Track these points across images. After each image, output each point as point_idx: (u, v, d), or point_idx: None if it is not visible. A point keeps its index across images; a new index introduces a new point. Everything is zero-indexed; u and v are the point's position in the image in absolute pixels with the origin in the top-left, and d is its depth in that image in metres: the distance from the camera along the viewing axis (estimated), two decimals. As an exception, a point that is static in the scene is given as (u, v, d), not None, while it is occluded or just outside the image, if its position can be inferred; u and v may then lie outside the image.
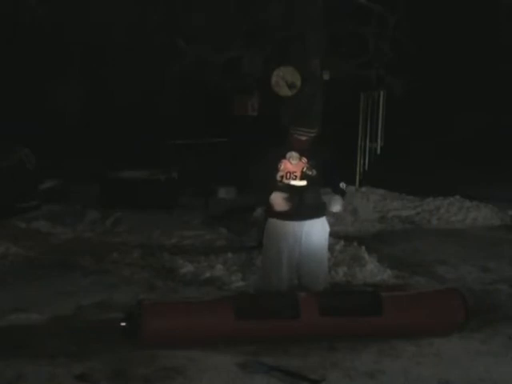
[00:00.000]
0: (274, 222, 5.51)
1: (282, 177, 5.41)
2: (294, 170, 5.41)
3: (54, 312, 5.61)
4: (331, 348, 4.94)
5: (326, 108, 9.64)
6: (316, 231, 5.51)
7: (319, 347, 4.92)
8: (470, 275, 7.04)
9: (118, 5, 9.34)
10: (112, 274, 6.88)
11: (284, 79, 9.41)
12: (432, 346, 5.02)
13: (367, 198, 10.55)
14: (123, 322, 4.91)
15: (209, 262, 7.11)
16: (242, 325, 4.90)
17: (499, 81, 14.61)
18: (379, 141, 11.05)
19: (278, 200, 5.33)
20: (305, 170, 5.40)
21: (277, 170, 5.40)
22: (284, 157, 5.41)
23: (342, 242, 7.54)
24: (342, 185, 5.52)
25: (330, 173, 5.47)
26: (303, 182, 5.39)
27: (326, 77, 9.68)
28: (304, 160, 5.41)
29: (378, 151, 11.10)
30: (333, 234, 6.20)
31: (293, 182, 5.39)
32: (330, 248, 6.32)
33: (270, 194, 5.36)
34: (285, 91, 9.44)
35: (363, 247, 7.46)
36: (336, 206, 5.44)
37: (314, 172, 5.40)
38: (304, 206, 5.38)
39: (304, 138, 5.43)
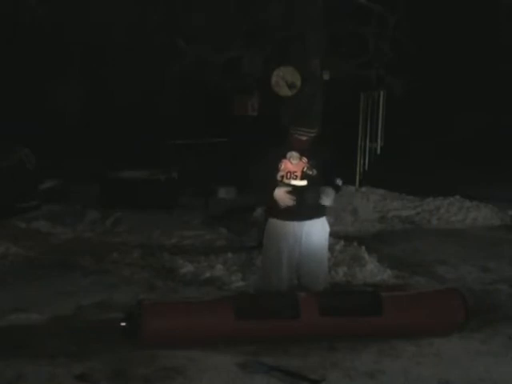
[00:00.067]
0: (274, 222, 5.51)
1: (282, 177, 5.41)
2: (294, 169, 5.41)
3: (54, 312, 5.61)
4: (331, 348, 4.94)
5: (325, 108, 9.62)
6: (316, 231, 5.51)
7: (319, 347, 4.93)
8: (469, 275, 7.04)
9: (117, 5, 9.33)
10: (112, 274, 6.88)
11: (284, 79, 9.40)
12: (432, 346, 5.02)
13: (367, 198, 10.55)
14: (123, 321, 4.91)
15: (209, 262, 7.11)
16: (242, 325, 4.90)
17: (499, 81, 14.61)
18: (379, 141, 11.04)
19: (282, 195, 5.34)
20: (305, 169, 5.40)
21: (277, 169, 5.40)
22: (284, 157, 5.41)
23: (342, 242, 7.54)
24: (339, 181, 5.52)
25: (329, 172, 5.47)
26: (304, 182, 5.39)
27: (325, 77, 9.67)
28: (304, 160, 5.41)
29: (378, 151, 11.10)
30: (333, 234, 6.20)
31: (293, 182, 5.39)
32: (330, 248, 6.33)
33: (270, 193, 5.37)
34: (285, 91, 9.43)
35: (363, 247, 7.46)
36: (326, 199, 5.41)
37: (315, 172, 5.40)
38: (304, 205, 5.38)
39: (304, 138, 5.43)
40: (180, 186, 10.87)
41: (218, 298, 5.67)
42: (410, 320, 5.17)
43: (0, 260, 7.37)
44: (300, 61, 9.44)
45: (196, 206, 10.42)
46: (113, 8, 9.31)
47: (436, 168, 13.65)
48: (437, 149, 15.23)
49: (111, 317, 5.35)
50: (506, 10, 10.84)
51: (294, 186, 5.38)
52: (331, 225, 5.79)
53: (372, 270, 6.91)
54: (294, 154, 5.40)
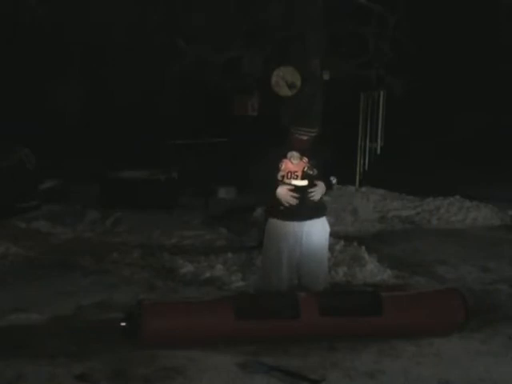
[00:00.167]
0: (274, 222, 5.51)
1: (283, 176, 5.41)
2: (295, 169, 5.41)
3: (54, 312, 5.61)
4: (331, 348, 4.94)
5: (325, 108, 9.63)
6: (316, 231, 5.51)
7: (319, 347, 4.93)
8: (470, 275, 7.04)
9: (117, 5, 9.33)
10: (112, 274, 6.88)
11: (284, 79, 9.41)
12: (432, 346, 5.02)
13: (367, 198, 10.56)
14: (123, 321, 4.91)
15: (209, 262, 7.11)
16: (242, 325, 4.90)
17: (499, 81, 14.61)
18: (379, 141, 11.05)
19: (285, 193, 5.34)
20: (306, 169, 5.40)
21: (278, 169, 5.40)
22: (285, 156, 5.41)
23: (342, 242, 7.54)
24: (332, 178, 5.52)
25: (328, 171, 5.48)
26: (304, 182, 5.39)
27: (326, 77, 9.67)
28: (305, 160, 5.41)
29: (378, 151, 11.11)
30: (333, 234, 6.19)
31: (294, 182, 5.39)
32: (330, 248, 6.32)
33: (271, 193, 5.37)
34: (285, 91, 9.43)
35: (363, 247, 7.46)
36: (315, 193, 5.38)
37: (315, 171, 5.40)
38: (305, 205, 5.38)
39: (305, 138, 5.43)
40: (180, 186, 10.87)
41: (218, 298, 5.67)
42: (410, 320, 5.17)
43: (0, 260, 7.37)
44: (300, 61, 9.45)
45: (196, 206, 10.42)
46: (113, 8, 9.31)
47: (436, 168, 13.65)
48: (437, 149, 15.22)
49: (111, 317, 5.35)
50: (506, 9, 10.85)
51: (295, 186, 5.38)
52: (331, 225, 5.79)
53: (372, 270, 6.91)
54: (295, 153, 5.40)
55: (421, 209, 10.34)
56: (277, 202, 5.39)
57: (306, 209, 5.39)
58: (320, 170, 5.42)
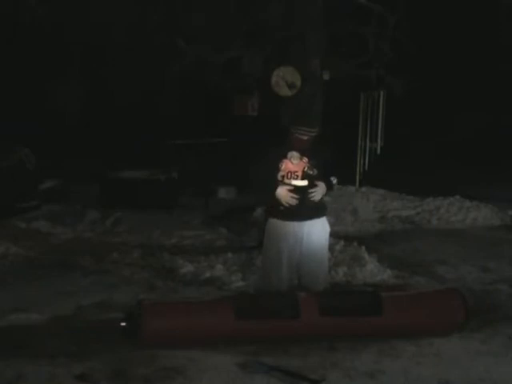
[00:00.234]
0: (274, 222, 5.51)
1: (283, 176, 5.41)
2: (295, 169, 5.41)
3: (54, 312, 5.61)
4: (331, 348, 4.94)
5: (325, 108, 9.63)
6: (316, 231, 5.50)
7: (319, 347, 4.93)
8: (470, 275, 7.04)
9: (118, 5, 9.33)
10: (112, 274, 6.88)
11: (284, 79, 9.41)
12: (432, 346, 5.02)
13: (367, 198, 10.56)
14: (123, 321, 4.91)
15: (209, 262, 7.11)
16: (242, 325, 4.90)
17: (499, 81, 14.61)
18: (379, 141, 11.05)
19: (285, 194, 5.34)
20: (306, 169, 5.40)
21: (278, 169, 5.40)
22: (285, 156, 5.41)
23: (342, 242, 7.54)
24: (333, 178, 5.52)
25: (328, 171, 5.48)
26: (305, 182, 5.39)
27: (326, 77, 9.67)
28: (305, 160, 5.41)
29: (378, 151, 11.11)
30: (333, 234, 6.19)
31: (294, 182, 5.38)
32: (330, 248, 6.32)
33: (271, 193, 5.37)
34: (285, 91, 9.44)
35: (363, 247, 7.46)
36: (316, 193, 5.39)
37: (315, 172, 5.40)
38: (305, 206, 5.38)
39: (305, 138, 5.43)
40: (180, 186, 10.87)
41: (218, 298, 5.67)
42: (410, 320, 5.17)
43: (0, 260, 7.37)
44: (300, 61, 9.45)
45: (196, 206, 10.42)
46: (113, 8, 9.31)
47: (436, 168, 13.65)
48: (437, 149, 15.23)
49: (111, 317, 5.35)
50: (506, 9, 10.85)
51: (295, 186, 5.38)
52: (331, 225, 5.79)
53: (372, 270, 6.91)
54: (295, 153, 5.40)
55: (421, 209, 10.34)
56: (277, 202, 5.39)
57: (306, 209, 5.39)
58: (320, 170, 5.42)
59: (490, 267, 7.29)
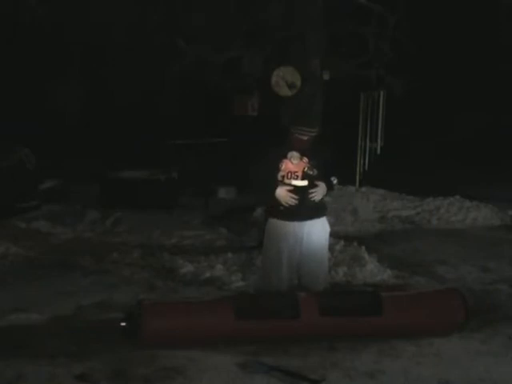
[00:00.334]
0: (274, 222, 5.51)
1: (283, 177, 5.41)
2: (295, 169, 5.41)
3: (54, 312, 5.61)
4: (331, 348, 4.94)
5: (325, 108, 9.63)
6: (316, 231, 5.51)
7: (319, 347, 4.93)
8: (470, 275, 7.04)
9: (118, 5, 9.33)
10: (112, 274, 6.88)
11: (284, 79, 9.41)
12: (432, 346, 5.02)
13: (367, 198, 10.55)
14: (123, 321, 4.91)
15: (209, 262, 7.11)
16: (242, 325, 4.90)
17: (499, 81, 14.61)
18: (379, 141, 11.04)
19: (285, 194, 5.34)
20: (306, 169, 5.40)
21: (278, 169, 5.40)
22: (285, 157, 5.41)
23: (342, 242, 7.54)
24: (333, 178, 5.52)
25: (329, 171, 5.48)
26: (305, 182, 5.39)
27: (326, 77, 9.67)
28: (305, 160, 5.41)
29: (378, 151, 11.10)
30: (333, 234, 6.19)
31: (294, 182, 5.39)
32: (330, 248, 6.32)
33: (271, 193, 5.37)
34: (285, 91, 9.44)
35: (363, 247, 7.46)
36: (316, 193, 5.39)
37: (315, 172, 5.40)
38: (305, 206, 5.38)
39: (305, 138, 5.43)
40: (180, 186, 10.87)
41: (218, 298, 5.67)
42: (410, 320, 5.17)
43: (0, 260, 7.37)
44: (300, 61, 9.45)
45: (196, 206, 10.42)
46: (113, 8, 9.31)
47: (436, 168, 13.65)
48: (437, 149, 15.23)
49: (111, 317, 5.35)
50: (506, 9, 10.85)
51: (295, 186, 5.38)
52: (331, 225, 5.79)
53: (372, 270, 6.91)
54: (295, 153, 5.40)
55: (421, 209, 10.34)
56: (277, 202, 5.40)
57: (306, 209, 5.39)
58: (320, 170, 5.42)
59: (490, 267, 7.29)
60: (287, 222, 5.44)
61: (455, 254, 7.83)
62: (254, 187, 5.90)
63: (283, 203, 5.36)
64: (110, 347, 4.84)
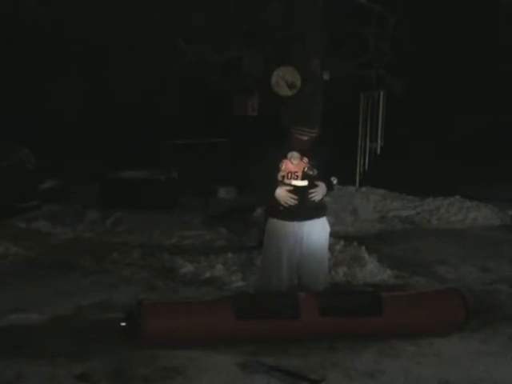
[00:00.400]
0: (274, 222, 5.51)
1: (283, 177, 5.41)
2: (295, 169, 5.41)
3: (54, 312, 5.61)
4: (331, 348, 4.94)
5: (325, 108, 9.62)
6: (316, 231, 5.51)
7: (319, 347, 4.93)
8: (470, 275, 7.04)
9: (118, 5, 9.33)
10: (112, 274, 6.88)
11: (284, 79, 9.41)
12: (432, 346, 5.02)
13: (367, 198, 10.55)
14: (123, 321, 4.91)
15: (209, 262, 7.11)
16: (242, 325, 4.90)
17: (499, 81, 14.61)
18: (379, 141, 11.04)
19: (284, 194, 5.34)
20: (306, 169, 5.40)
21: (278, 169, 5.41)
22: (285, 157, 5.41)
23: (342, 242, 7.54)
24: (333, 179, 5.52)
25: (329, 171, 5.48)
26: (305, 182, 5.39)
27: (326, 77, 9.67)
28: (305, 160, 5.41)
29: (378, 151, 11.10)
30: (333, 234, 6.19)
31: (294, 182, 5.39)
32: (330, 248, 6.32)
33: (271, 193, 5.37)
34: (285, 91, 9.43)
35: (363, 247, 7.46)
36: (316, 193, 5.39)
37: (315, 172, 5.41)
38: (305, 206, 5.38)
39: (305, 138, 5.43)
40: (180, 186, 10.87)
41: (218, 298, 5.67)
42: (410, 320, 5.17)
43: (0, 260, 7.37)
44: (300, 61, 9.44)
45: (196, 206, 10.42)
46: (113, 8, 9.31)
47: (436, 168, 13.65)
48: (437, 149, 15.23)
49: (111, 317, 5.35)
50: (506, 9, 10.84)
51: (295, 186, 5.38)
52: (331, 225, 5.79)
53: (372, 270, 6.91)
54: (295, 154, 5.40)
55: (421, 209, 10.34)
56: (277, 202, 5.40)
57: (306, 209, 5.39)
58: (320, 170, 5.42)
59: (490, 267, 7.29)
60: (287, 222, 5.44)
61: (455, 254, 7.83)
62: (254, 187, 5.90)
63: (283, 203, 5.37)
64: (110, 347, 4.84)
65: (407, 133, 15.10)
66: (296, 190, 5.37)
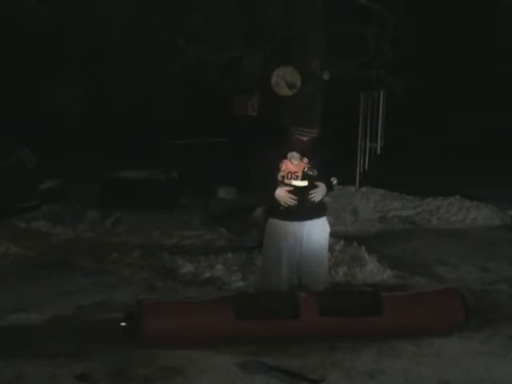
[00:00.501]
0: (274, 222, 5.51)
1: (283, 177, 5.41)
2: (295, 170, 5.41)
3: (54, 312, 5.61)
4: (331, 348, 4.94)
5: (325, 108, 9.63)
6: (316, 231, 5.51)
7: (319, 347, 4.93)
8: (470, 275, 7.04)
9: (118, 5, 9.33)
10: (112, 274, 6.88)
11: (284, 79, 9.41)
12: (432, 346, 5.02)
13: (367, 198, 10.55)
14: (123, 321, 4.91)
15: (209, 262, 7.11)
16: (242, 325, 4.91)
17: (499, 81, 14.61)
18: (379, 141, 11.04)
19: (284, 195, 5.35)
20: (306, 170, 5.40)
21: (278, 170, 5.41)
22: (285, 157, 5.41)
23: (342, 242, 7.54)
24: (333, 179, 5.52)
25: (329, 171, 5.48)
26: (304, 183, 5.39)
27: (326, 77, 9.67)
28: (305, 160, 5.41)
29: (378, 151, 11.10)
30: (333, 234, 6.19)
31: (294, 183, 5.39)
32: (330, 248, 6.32)
33: (271, 193, 5.37)
34: (285, 91, 9.44)
35: (363, 247, 7.46)
36: (316, 194, 5.40)
37: (315, 172, 5.41)
38: (305, 206, 5.38)
39: (305, 139, 5.43)
40: (180, 186, 10.87)
41: (218, 298, 5.67)
42: (410, 320, 5.17)
43: (0, 260, 7.37)
44: (300, 61, 9.45)
45: (196, 206, 10.42)
46: (113, 8, 9.31)
47: (436, 168, 13.65)
48: (437, 149, 15.23)
49: (111, 317, 5.35)
50: (506, 9, 10.84)
51: (295, 187, 5.38)
52: (331, 225, 5.79)
53: (372, 270, 6.91)
54: (295, 154, 5.40)
55: (421, 209, 10.34)
56: (276, 202, 5.40)
57: (305, 209, 5.40)
58: (320, 170, 5.42)
59: (490, 267, 7.29)
60: (287, 222, 5.44)
61: (455, 254, 7.83)
62: (254, 187, 5.90)
63: (283, 204, 5.37)
64: (110, 347, 4.84)
65: (407, 133, 15.10)
66: (296, 191, 5.37)
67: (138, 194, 10.39)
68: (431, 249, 8.17)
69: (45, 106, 14.22)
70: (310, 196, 5.38)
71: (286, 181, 5.40)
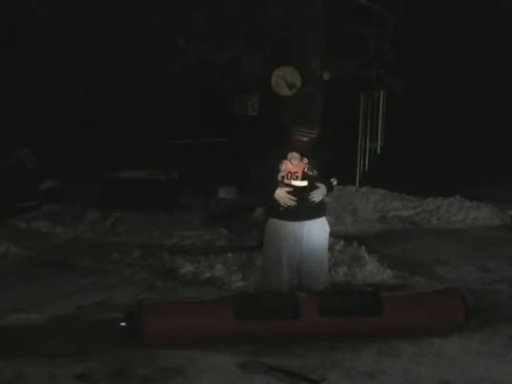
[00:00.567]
0: (274, 222, 5.52)
1: (283, 177, 5.41)
2: (295, 170, 5.41)
3: (54, 312, 5.61)
4: (331, 348, 4.94)
5: (325, 108, 9.63)
6: (316, 231, 5.51)
7: (319, 347, 4.93)
8: (470, 275, 7.04)
9: (118, 5, 9.33)
10: (112, 274, 6.89)
11: (284, 79, 9.41)
12: (432, 346, 5.02)
13: (367, 198, 10.55)
14: (123, 321, 4.91)
15: (209, 262, 7.11)
16: (242, 325, 4.91)
17: (499, 81, 14.61)
18: (379, 141, 11.05)
19: (283, 195, 5.35)
20: (306, 170, 5.41)
21: (278, 170, 5.41)
22: (285, 157, 5.41)
23: (342, 242, 7.54)
24: (333, 180, 5.52)
25: (328, 172, 5.49)
26: (304, 183, 5.40)
27: (326, 77, 9.67)
28: (305, 160, 5.41)
29: (378, 151, 11.11)
30: (333, 234, 6.20)
31: (294, 183, 5.39)
32: (330, 248, 6.32)
33: (271, 194, 5.38)
34: (285, 91, 9.44)
35: (363, 247, 7.46)
36: (316, 195, 5.40)
37: (315, 172, 5.41)
38: (305, 206, 5.38)
39: (305, 139, 5.43)
40: (180, 186, 10.87)
41: (218, 298, 5.68)
42: (410, 320, 5.17)
43: (0, 260, 7.37)
44: (300, 61, 9.45)
45: (196, 206, 10.42)
46: (113, 8, 9.31)
47: (436, 168, 13.65)
48: (437, 149, 15.23)
49: (111, 317, 5.35)
50: (506, 9, 10.84)
51: (295, 187, 5.38)
52: (331, 225, 5.80)
53: (372, 270, 6.91)
54: (295, 154, 5.40)
55: (421, 209, 10.34)
56: (276, 202, 5.40)
57: (305, 209, 5.40)
58: (320, 170, 5.42)
59: (490, 267, 7.29)
60: (287, 222, 5.44)
61: (455, 254, 7.83)
62: (254, 187, 5.90)
63: (282, 204, 5.37)
64: (110, 347, 4.84)
65: (407, 133, 15.10)
66: (296, 191, 5.37)
67: (138, 194, 10.39)
68: (431, 249, 8.17)
69: (45, 105, 14.23)
70: (310, 197, 5.38)
71: (286, 181, 5.40)
